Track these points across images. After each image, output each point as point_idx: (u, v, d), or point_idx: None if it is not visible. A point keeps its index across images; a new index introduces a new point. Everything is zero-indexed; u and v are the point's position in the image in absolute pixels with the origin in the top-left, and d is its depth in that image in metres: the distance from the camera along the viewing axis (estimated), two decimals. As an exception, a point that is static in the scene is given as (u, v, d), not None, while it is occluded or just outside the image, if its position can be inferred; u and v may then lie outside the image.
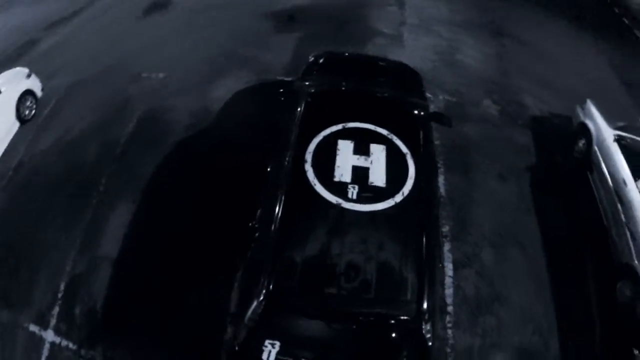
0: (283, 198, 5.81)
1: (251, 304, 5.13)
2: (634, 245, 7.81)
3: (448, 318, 7.40)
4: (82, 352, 6.85)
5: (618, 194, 8.44)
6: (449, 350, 7.06)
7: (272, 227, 5.59)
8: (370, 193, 5.95)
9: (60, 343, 6.92)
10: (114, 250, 7.83)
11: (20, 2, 14.31)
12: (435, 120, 8.33)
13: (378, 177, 6.14)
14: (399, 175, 6.21)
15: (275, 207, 5.75)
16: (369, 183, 6.05)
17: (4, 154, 9.30)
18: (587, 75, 12.47)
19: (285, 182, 6.00)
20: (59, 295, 7.30)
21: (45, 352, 6.87)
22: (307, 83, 8.02)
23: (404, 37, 13.19)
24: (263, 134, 8.46)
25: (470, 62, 12.52)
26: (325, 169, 6.12)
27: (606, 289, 8.04)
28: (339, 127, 6.67)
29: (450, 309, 7.51)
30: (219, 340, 6.48)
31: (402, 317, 5.19)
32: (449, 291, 7.69)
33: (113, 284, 7.44)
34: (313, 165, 6.14)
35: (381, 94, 7.75)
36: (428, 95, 9.07)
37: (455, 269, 8.00)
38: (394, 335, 5.22)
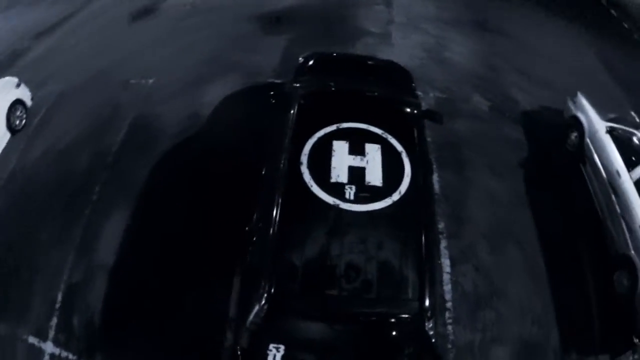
0: (280, 201, 5.78)
1: (252, 308, 5.11)
2: (629, 235, 7.89)
3: (447, 314, 7.41)
4: (82, 362, 6.81)
5: (612, 185, 8.51)
6: (449, 346, 7.07)
7: (271, 231, 5.57)
8: (367, 193, 5.96)
9: (59, 354, 6.83)
10: (109, 259, 7.75)
11: (5, 11, 14.20)
12: (427, 117, 8.35)
13: (375, 176, 6.14)
14: (395, 174, 6.21)
15: (273, 210, 5.72)
16: (365, 183, 6.05)
17: (-5, 164, 9.20)
18: (576, 68, 12.58)
19: (282, 185, 5.97)
20: (57, 306, 7.22)
21: (45, 363, 6.83)
22: (298, 85, 8.00)
23: (392, 35, 13.22)
24: (256, 137, 8.41)
25: (459, 59, 12.58)
26: (321, 170, 6.11)
27: (603, 279, 8.10)
28: (333, 127, 6.65)
29: (449, 305, 7.53)
30: (219, 347, 6.53)
31: (404, 316, 5.22)
32: (447, 287, 7.71)
33: (110, 293, 7.37)
34: (309, 167, 6.12)
35: (373, 93, 7.75)
36: (418, 93, 9.07)
37: (452, 265, 8.02)
38: (397, 334, 5.23)
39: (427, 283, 5.37)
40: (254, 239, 5.97)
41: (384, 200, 5.90)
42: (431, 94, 11.07)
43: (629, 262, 7.74)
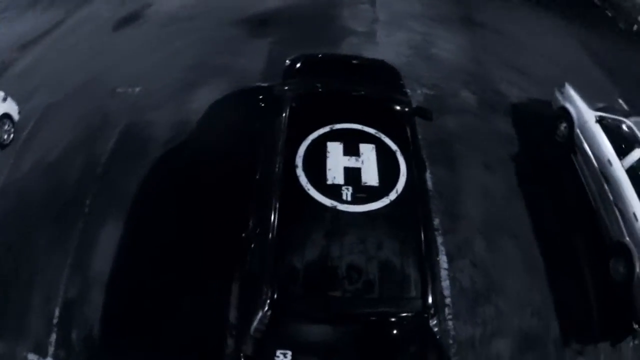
0: (278, 205, 5.74)
1: (255, 314, 5.06)
2: (623, 223, 7.97)
3: (447, 310, 7.43)
4: (83, 377, 6.73)
5: (604, 173, 8.59)
6: (450, 341, 7.09)
7: (270, 235, 5.52)
8: (364, 193, 5.94)
9: (60, 370, 6.78)
10: (105, 271, 7.67)
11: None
12: (418, 115, 8.35)
13: (370, 176, 6.12)
14: (391, 173, 6.20)
15: (271, 215, 5.68)
16: (362, 183, 6.03)
17: (-15, 181, 9.06)
18: (562, 59, 12.69)
19: (279, 189, 5.92)
20: (55, 321, 7.14)
21: (47, 380, 6.76)
22: (287, 87, 7.97)
23: (377, 34, 13.24)
24: (247, 141, 8.40)
25: (445, 55, 12.63)
26: (317, 172, 6.07)
27: (599, 268, 8.18)
28: (327, 129, 6.61)
29: (448, 301, 7.55)
30: (220, 355, 6.50)
31: (408, 314, 5.22)
32: (445, 283, 7.73)
33: (107, 306, 7.29)
34: (304, 170, 6.08)
35: (364, 93, 7.76)
36: (407, 90, 9.09)
37: (449, 261, 8.06)
38: (402, 332, 5.24)
39: (428, 280, 5.37)
40: (252, 244, 5.95)
41: (381, 200, 5.89)
42: (419, 91, 11.10)
43: (624, 249, 7.83)
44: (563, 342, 7.40)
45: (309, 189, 5.90)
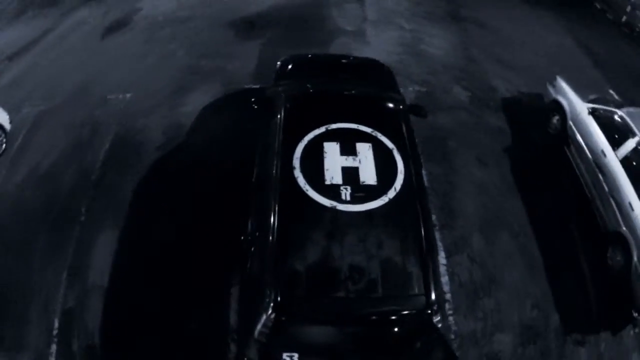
0: (277, 207, 5.73)
1: (259, 318, 5.04)
2: (619, 212, 8.03)
3: (447, 305, 7.43)
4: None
5: (598, 164, 8.65)
6: (452, 337, 7.10)
7: (270, 238, 5.50)
8: (363, 193, 5.94)
9: (63, 382, 6.73)
10: (103, 279, 7.62)
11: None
12: (412, 112, 8.36)
13: (369, 175, 6.13)
14: (388, 172, 6.21)
15: (270, 217, 5.67)
16: (360, 183, 6.03)
17: (-22, 192, 8.95)
18: (552, 52, 12.77)
19: (277, 191, 5.91)
20: (55, 332, 7.06)
21: (50, 392, 6.70)
22: (280, 89, 7.95)
23: (367, 32, 13.25)
24: (242, 144, 8.35)
25: (436, 51, 12.67)
26: (315, 173, 6.07)
27: (597, 258, 8.25)
28: (322, 129, 6.60)
29: (448, 296, 7.55)
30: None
31: (413, 311, 5.21)
32: (444, 279, 7.70)
33: (107, 314, 7.24)
34: (302, 171, 6.08)
35: (358, 92, 7.76)
36: (400, 88, 9.11)
37: (447, 256, 8.10)
38: (407, 330, 5.24)
39: (430, 277, 5.38)
40: (252, 248, 5.92)
41: (380, 199, 5.90)
42: (411, 88, 11.12)
43: (621, 238, 7.89)
44: (564, 333, 7.44)
45: (307, 190, 5.90)
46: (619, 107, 9.14)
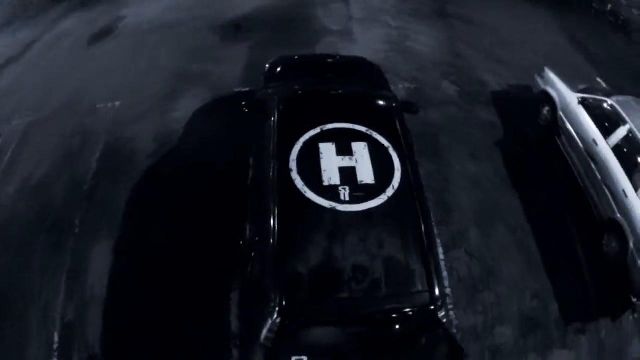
0: (276, 210, 5.72)
1: (264, 322, 5.03)
2: (613, 200, 8.11)
3: (447, 300, 7.47)
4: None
5: (590, 154, 8.73)
6: (454, 331, 7.13)
7: (271, 241, 5.49)
8: (361, 192, 5.95)
9: (64, 396, 6.66)
10: (101, 291, 7.54)
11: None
12: (404, 109, 8.38)
13: (366, 174, 6.13)
14: (386, 170, 6.23)
15: (270, 220, 5.65)
16: (358, 182, 6.04)
17: (-30, 208, 8.82)
18: (538, 44, 12.85)
19: (276, 194, 5.89)
20: (55, 347, 6.99)
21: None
22: (271, 91, 7.94)
23: (353, 31, 13.25)
24: (235, 148, 8.35)
25: (423, 48, 12.70)
26: (312, 174, 6.06)
27: (593, 246, 8.32)
28: (317, 130, 6.59)
29: (448, 291, 7.57)
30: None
31: (417, 308, 5.24)
32: (443, 274, 7.75)
33: (107, 326, 7.16)
34: (300, 173, 6.06)
35: (350, 91, 7.77)
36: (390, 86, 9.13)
37: (445, 252, 8.11)
38: (413, 327, 5.27)
39: (433, 272, 5.43)
40: (253, 252, 5.91)
41: (379, 197, 5.91)
42: (400, 86, 11.12)
43: (616, 225, 7.96)
44: (564, 322, 7.51)
45: (305, 192, 5.89)
46: (608, 95, 9.23)
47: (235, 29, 13.29)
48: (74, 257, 8.03)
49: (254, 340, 5.14)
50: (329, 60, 9.74)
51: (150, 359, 6.89)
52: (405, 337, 5.23)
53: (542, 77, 10.22)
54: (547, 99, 9.92)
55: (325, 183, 5.99)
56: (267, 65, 9.25)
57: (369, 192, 5.96)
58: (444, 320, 5.27)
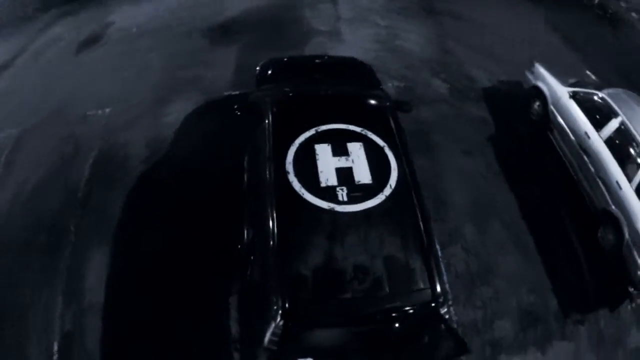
0: (275, 213, 5.71)
1: (268, 326, 5.02)
2: (608, 192, 8.19)
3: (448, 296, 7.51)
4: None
5: (582, 147, 8.81)
6: (455, 326, 7.15)
7: (271, 244, 5.49)
8: (359, 192, 5.96)
9: (65, 405, 6.61)
10: (99, 299, 7.48)
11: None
12: (397, 108, 8.40)
13: (363, 174, 6.15)
14: (382, 169, 6.25)
15: (269, 223, 5.65)
16: (355, 182, 6.05)
17: (-37, 219, 8.73)
18: (527, 38, 12.87)
19: (273, 197, 5.89)
20: (54, 357, 6.95)
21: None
22: (263, 94, 7.92)
23: (342, 31, 13.21)
24: (228, 151, 8.28)
25: (412, 46, 12.72)
26: (309, 176, 6.06)
27: (588, 238, 8.39)
28: (312, 132, 6.59)
29: (446, 287, 7.61)
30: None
31: (420, 306, 5.28)
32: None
33: (106, 333, 7.11)
34: (296, 175, 6.06)
35: (343, 92, 7.78)
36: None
37: (442, 248, 8.00)
38: (416, 325, 5.30)
39: (434, 269, 5.47)
40: (252, 256, 5.91)
41: (377, 197, 5.93)
42: (390, 84, 11.12)
43: (611, 217, 8.03)
44: (563, 314, 7.59)
45: (303, 194, 5.90)
46: (598, 88, 9.30)
47: (225, 31, 13.20)
48: (70, 264, 7.96)
49: (256, 344, 5.14)
50: (321, 61, 9.75)
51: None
52: (409, 335, 5.27)
53: (532, 72, 10.29)
54: (538, 93, 9.99)
55: (323, 184, 6.00)
56: (258, 68, 9.22)
57: (367, 192, 5.98)
58: (447, 317, 5.29)
